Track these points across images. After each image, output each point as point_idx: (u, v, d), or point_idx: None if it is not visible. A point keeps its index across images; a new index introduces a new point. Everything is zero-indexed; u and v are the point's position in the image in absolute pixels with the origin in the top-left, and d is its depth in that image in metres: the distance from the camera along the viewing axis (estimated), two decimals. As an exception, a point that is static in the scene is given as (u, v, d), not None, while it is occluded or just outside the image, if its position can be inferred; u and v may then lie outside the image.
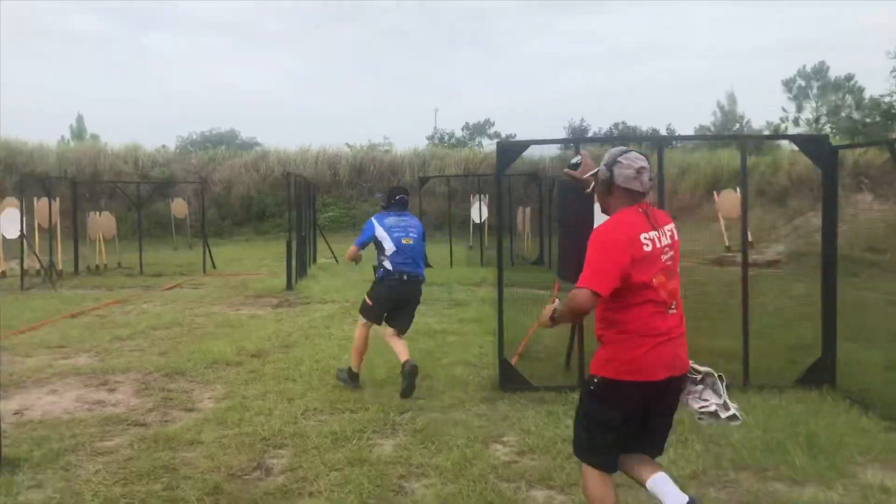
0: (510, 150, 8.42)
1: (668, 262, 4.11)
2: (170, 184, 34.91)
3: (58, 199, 21.02)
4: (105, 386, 8.50)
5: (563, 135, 52.68)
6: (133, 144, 39.45)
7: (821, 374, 8.10)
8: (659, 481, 4.14)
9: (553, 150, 35.60)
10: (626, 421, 4.11)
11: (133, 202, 27.22)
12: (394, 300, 8.00)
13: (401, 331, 8.07)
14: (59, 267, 20.01)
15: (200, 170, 38.06)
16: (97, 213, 24.21)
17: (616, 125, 54.31)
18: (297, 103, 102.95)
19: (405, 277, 7.92)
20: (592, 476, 4.20)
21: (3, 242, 19.79)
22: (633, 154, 4.19)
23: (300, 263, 18.56)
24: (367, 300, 8.07)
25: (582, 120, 56.82)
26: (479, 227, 26.16)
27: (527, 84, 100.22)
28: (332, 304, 14.11)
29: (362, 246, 7.98)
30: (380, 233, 7.92)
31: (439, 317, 12.38)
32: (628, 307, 4.02)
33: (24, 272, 18.06)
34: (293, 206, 18.50)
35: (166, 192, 34.82)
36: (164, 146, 43.13)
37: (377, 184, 37.44)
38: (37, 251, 19.37)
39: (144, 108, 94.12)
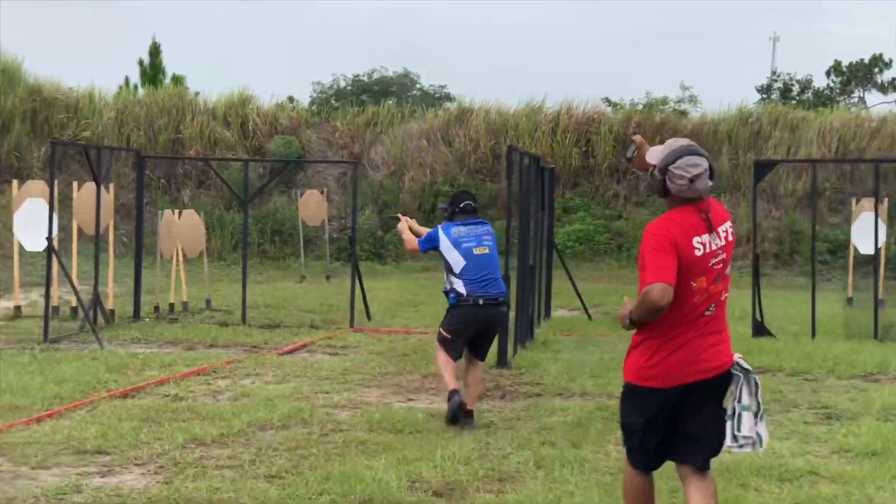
0: None
1: (717, 266, 4.27)
2: (299, 164, 23.48)
3: (112, 187, 14.62)
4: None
5: None
6: (240, 95, 26.37)
7: None
8: None
9: None
10: (648, 427, 4.37)
11: (237, 196, 17.39)
12: (473, 329, 7.68)
13: (480, 357, 7.85)
14: (110, 306, 13.61)
15: (351, 140, 25.34)
16: (174, 212, 15.27)
17: None
18: (513, 21, 67.53)
19: (481, 302, 7.59)
20: (628, 471, 4.57)
21: (19, 257, 13.88)
22: (688, 160, 4.23)
23: (523, 317, 11.52)
24: (443, 332, 7.70)
25: None
26: (870, 261, 14.91)
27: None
28: (582, 401, 9.21)
29: (423, 250, 7.87)
30: (445, 245, 7.64)
31: (799, 440, 7.69)
32: None
33: (49, 312, 11.96)
34: (515, 208, 11.55)
35: (291, 179, 23.46)
36: (290, 100, 29.79)
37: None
38: (73, 277, 12.92)
39: (261, 37, 65.94)
